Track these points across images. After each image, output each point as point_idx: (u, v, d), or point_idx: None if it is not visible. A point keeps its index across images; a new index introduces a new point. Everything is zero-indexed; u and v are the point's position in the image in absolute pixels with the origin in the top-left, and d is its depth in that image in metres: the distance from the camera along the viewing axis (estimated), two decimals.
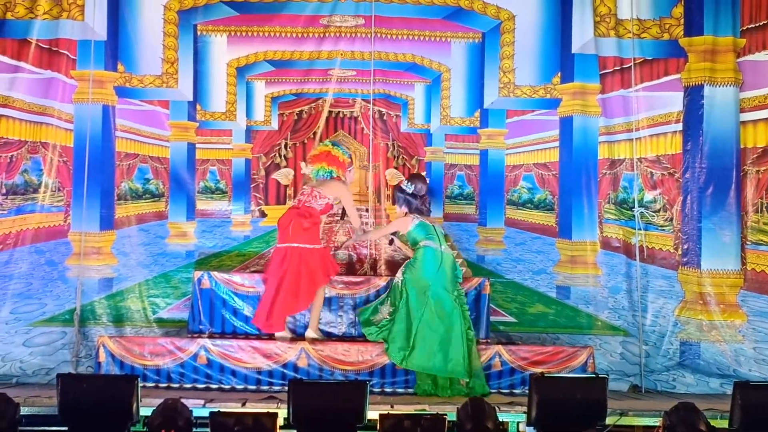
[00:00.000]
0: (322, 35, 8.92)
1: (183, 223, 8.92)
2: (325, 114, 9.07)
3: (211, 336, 7.67)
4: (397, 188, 7.67)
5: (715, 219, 8.40)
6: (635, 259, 8.54)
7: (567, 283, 8.79)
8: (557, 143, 8.95)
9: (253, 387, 7.25)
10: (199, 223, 8.97)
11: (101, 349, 7.28)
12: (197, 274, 7.94)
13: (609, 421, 5.73)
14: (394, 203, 7.80)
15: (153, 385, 7.18)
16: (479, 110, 9.09)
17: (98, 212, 8.57)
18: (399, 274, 7.43)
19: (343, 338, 7.75)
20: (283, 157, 9.20)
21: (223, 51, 9.03)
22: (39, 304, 8.35)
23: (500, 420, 5.74)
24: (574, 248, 8.79)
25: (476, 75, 9.11)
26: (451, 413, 5.46)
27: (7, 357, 8.05)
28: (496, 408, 5.77)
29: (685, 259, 8.52)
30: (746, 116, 8.46)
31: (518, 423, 6.59)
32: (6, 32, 8.41)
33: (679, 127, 8.61)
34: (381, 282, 7.92)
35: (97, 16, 8.57)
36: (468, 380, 7.13)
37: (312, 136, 9.13)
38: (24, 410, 5.75)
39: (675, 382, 8.25)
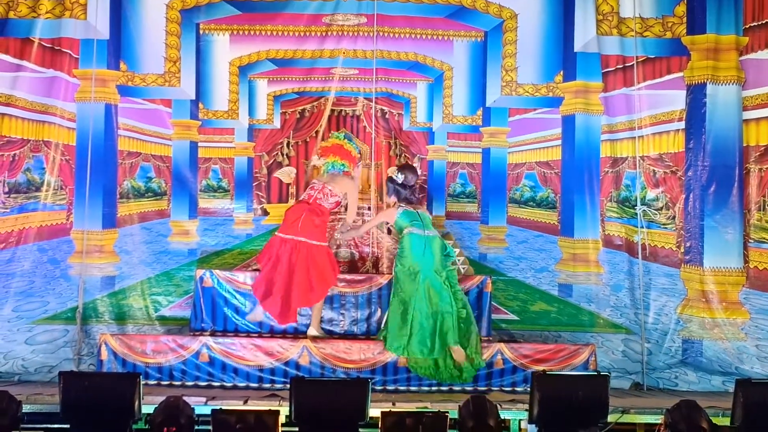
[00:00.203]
0: (324, 34, 8.93)
1: (185, 222, 8.92)
2: (327, 112, 9.06)
3: (213, 334, 7.68)
4: (388, 178, 7.78)
5: (718, 217, 8.40)
6: (637, 257, 8.54)
7: (569, 281, 8.79)
8: (559, 141, 8.94)
9: (255, 385, 7.25)
10: (201, 221, 8.97)
11: (103, 347, 7.28)
12: (199, 272, 7.95)
13: (611, 418, 5.75)
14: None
15: (155, 382, 7.19)
16: (481, 109, 9.09)
17: (101, 210, 8.58)
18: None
19: (345, 336, 7.75)
20: (285, 156, 9.20)
21: (226, 49, 9.02)
22: (41, 302, 8.36)
23: (502, 417, 5.74)
24: (576, 246, 8.79)
25: (478, 73, 9.10)
26: (452, 411, 5.47)
27: (10, 355, 8.07)
28: (498, 406, 5.79)
29: (687, 257, 8.52)
30: (749, 114, 8.45)
31: (520, 421, 6.59)
32: (9, 31, 8.43)
33: (682, 125, 8.61)
34: (383, 280, 7.92)
35: (100, 15, 8.58)
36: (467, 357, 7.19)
37: (314, 135, 9.13)
38: (26, 408, 5.77)
39: (677, 380, 8.25)
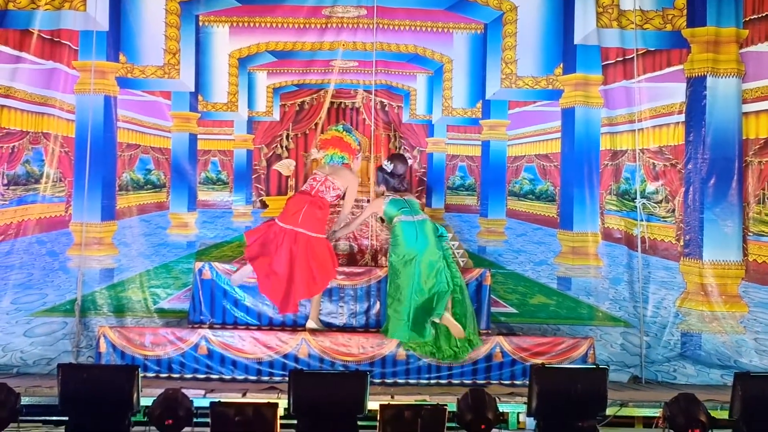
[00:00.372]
0: (324, 26, 8.91)
1: (184, 214, 8.92)
2: (326, 105, 9.05)
3: (211, 326, 7.68)
4: (378, 167, 7.81)
5: (717, 210, 8.39)
6: (637, 250, 8.54)
7: (568, 274, 8.79)
8: (559, 134, 8.93)
9: (254, 377, 7.27)
10: (200, 213, 8.96)
11: (102, 339, 7.29)
12: (198, 264, 7.93)
13: (609, 411, 5.76)
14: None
15: (153, 375, 7.21)
16: (481, 101, 9.08)
17: (99, 203, 8.58)
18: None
19: (344, 329, 7.75)
20: (284, 148, 9.19)
21: (225, 42, 9.01)
22: (40, 294, 8.36)
23: (500, 410, 5.75)
24: (576, 239, 8.79)
25: (478, 66, 9.09)
26: (451, 404, 5.48)
27: (8, 347, 8.07)
28: (497, 398, 5.81)
29: (686, 250, 8.51)
30: (749, 107, 8.45)
31: (518, 413, 6.61)
32: (8, 23, 8.40)
33: (682, 118, 8.59)
34: (382, 273, 7.91)
35: (99, 7, 8.57)
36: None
37: (314, 127, 9.13)
38: (24, 400, 5.78)
39: (675, 373, 8.25)
